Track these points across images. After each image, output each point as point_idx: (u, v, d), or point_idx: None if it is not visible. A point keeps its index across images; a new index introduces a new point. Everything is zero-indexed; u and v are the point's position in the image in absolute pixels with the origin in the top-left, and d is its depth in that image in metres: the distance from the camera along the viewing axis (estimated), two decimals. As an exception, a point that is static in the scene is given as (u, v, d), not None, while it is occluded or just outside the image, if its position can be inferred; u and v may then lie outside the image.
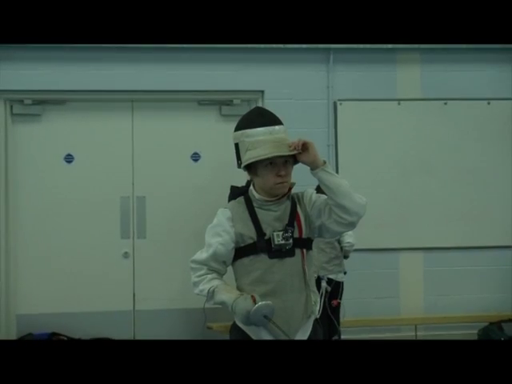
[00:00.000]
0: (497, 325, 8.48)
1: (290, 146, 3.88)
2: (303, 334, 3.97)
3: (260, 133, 3.93)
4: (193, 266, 4.04)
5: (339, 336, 7.64)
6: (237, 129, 4.04)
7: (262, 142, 3.90)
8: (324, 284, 7.28)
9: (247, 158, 3.92)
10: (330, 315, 7.30)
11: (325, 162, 3.89)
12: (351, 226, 3.95)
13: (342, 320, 7.69)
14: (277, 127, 3.96)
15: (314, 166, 3.88)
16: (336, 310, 7.67)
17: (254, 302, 3.77)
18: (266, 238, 3.92)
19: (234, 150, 4.04)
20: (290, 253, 3.94)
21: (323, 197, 3.97)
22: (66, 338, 8.00)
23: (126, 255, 8.46)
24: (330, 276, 7.46)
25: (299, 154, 3.88)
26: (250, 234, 3.95)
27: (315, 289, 4.10)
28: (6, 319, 8.24)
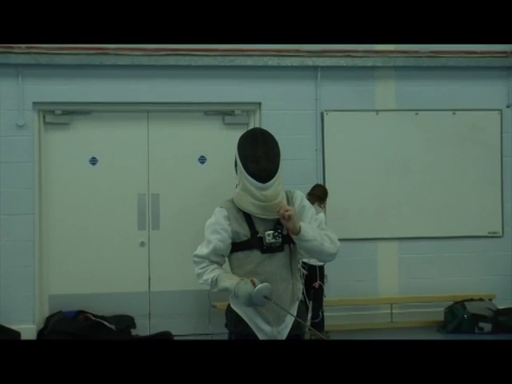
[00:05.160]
0: (460, 303, 8.59)
1: (277, 211, 3.87)
2: (291, 316, 4.06)
3: (253, 184, 3.92)
4: (195, 259, 4.09)
5: (319, 318, 7.69)
6: (238, 149, 4.00)
7: (253, 194, 3.92)
8: (299, 266, 7.39)
9: (238, 198, 3.97)
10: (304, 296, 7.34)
11: (301, 229, 3.91)
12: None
13: (324, 302, 7.78)
14: (269, 182, 3.91)
15: (293, 233, 3.93)
16: (318, 292, 7.81)
17: (254, 285, 3.81)
18: (259, 236, 3.98)
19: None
20: (279, 248, 4.00)
21: (307, 216, 4.04)
22: (91, 316, 8.11)
23: (142, 244, 8.58)
24: (304, 260, 7.40)
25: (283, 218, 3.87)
26: (245, 232, 3.99)
27: (299, 277, 4.22)
28: (40, 299, 8.37)
